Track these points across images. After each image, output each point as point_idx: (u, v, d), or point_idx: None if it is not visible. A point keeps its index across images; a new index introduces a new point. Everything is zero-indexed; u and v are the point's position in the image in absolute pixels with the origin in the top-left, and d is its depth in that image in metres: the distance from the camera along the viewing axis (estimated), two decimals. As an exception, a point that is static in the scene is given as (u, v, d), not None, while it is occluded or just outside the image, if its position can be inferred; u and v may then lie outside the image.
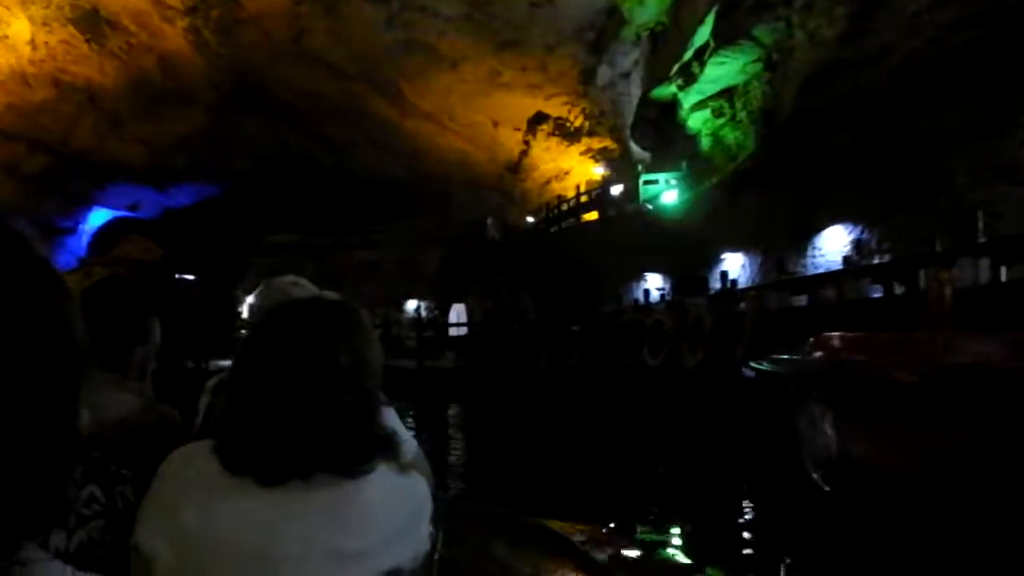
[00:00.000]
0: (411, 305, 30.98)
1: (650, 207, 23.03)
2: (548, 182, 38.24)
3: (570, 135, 35.26)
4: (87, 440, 0.95)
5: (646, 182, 23.83)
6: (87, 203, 43.97)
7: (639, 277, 21.86)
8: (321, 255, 31.51)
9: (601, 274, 22.95)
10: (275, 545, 0.95)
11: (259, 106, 38.83)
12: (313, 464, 1.00)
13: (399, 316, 27.82)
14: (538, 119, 35.22)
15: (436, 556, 1.23)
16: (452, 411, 17.03)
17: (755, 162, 17.65)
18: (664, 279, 20.97)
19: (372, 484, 1.03)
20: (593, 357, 15.38)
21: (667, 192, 22.93)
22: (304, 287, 1.96)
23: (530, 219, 36.42)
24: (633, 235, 22.03)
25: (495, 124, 36.29)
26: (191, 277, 39.05)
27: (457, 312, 28.44)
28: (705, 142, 22.02)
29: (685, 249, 19.25)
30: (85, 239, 45.85)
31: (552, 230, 28.55)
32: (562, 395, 14.21)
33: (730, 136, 20.38)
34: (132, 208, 45.84)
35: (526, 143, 36.62)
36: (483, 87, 33.35)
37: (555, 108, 33.98)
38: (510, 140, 36.74)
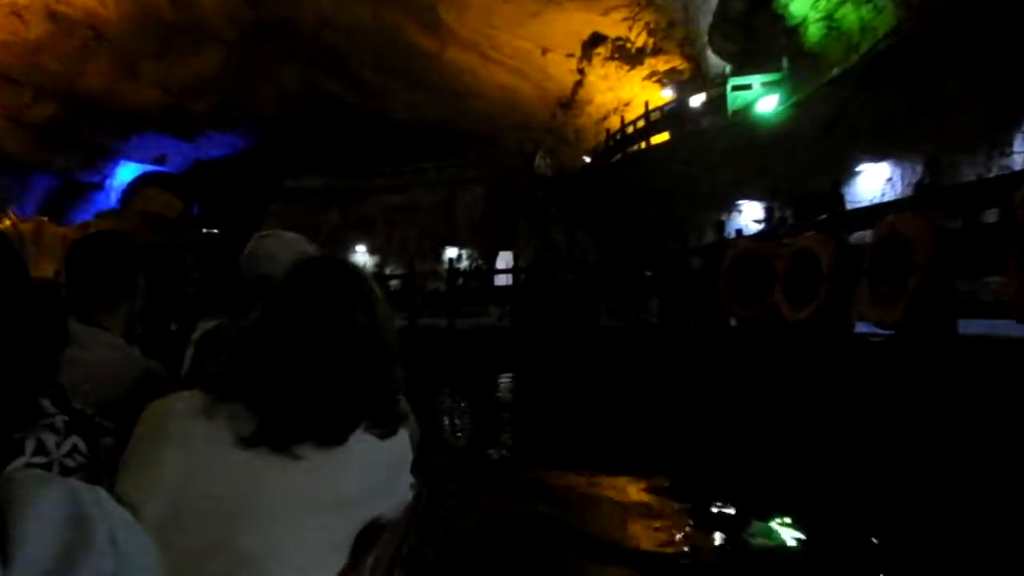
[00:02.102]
0: (451, 254, 26.87)
1: (743, 118, 18.21)
2: (606, 117, 33.97)
3: (631, 58, 30.81)
4: (68, 392, 1.00)
5: (735, 87, 19.00)
6: (111, 155, 41.39)
7: (730, 206, 17.18)
8: (348, 200, 27.58)
9: (677, 208, 18.42)
10: (256, 497, 0.95)
11: (285, 44, 35.01)
12: (332, 429, 1.00)
13: (437, 267, 23.64)
14: (594, 41, 30.96)
15: (419, 503, 1.23)
16: (503, 382, 13.20)
17: (900, 39, 12.73)
18: (766, 207, 16.25)
19: (355, 438, 1.03)
20: (678, 310, 11.03)
21: (764, 99, 18.08)
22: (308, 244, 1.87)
23: (586, 159, 32.16)
24: (720, 155, 17.34)
25: (544, 51, 32.19)
26: (216, 232, 35.64)
27: (505, 261, 24.29)
28: (813, 32, 17.02)
29: (797, 165, 14.51)
30: (114, 195, 43.87)
31: (615, 159, 23.89)
32: (641, 366, 9.99)
33: (852, 16, 15.37)
34: (158, 161, 43.16)
35: (580, 72, 32.67)
36: (530, 4, 29.10)
37: (613, 26, 29.45)
38: (561, 69, 32.76)
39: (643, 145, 22.71)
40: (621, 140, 24.25)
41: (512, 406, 11.51)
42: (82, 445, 0.99)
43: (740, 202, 17.08)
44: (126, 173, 43.64)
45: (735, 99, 19.00)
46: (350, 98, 37.61)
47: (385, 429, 1.07)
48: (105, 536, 0.54)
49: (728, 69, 21.39)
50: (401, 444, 1.12)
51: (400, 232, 26.56)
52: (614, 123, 31.00)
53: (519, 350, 13.24)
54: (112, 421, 1.08)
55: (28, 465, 0.91)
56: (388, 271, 23.61)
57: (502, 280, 19.07)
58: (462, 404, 11.89)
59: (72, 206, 41.94)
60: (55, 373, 0.72)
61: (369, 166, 28.60)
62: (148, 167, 43.37)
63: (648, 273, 13.72)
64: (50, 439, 0.95)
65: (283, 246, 1.81)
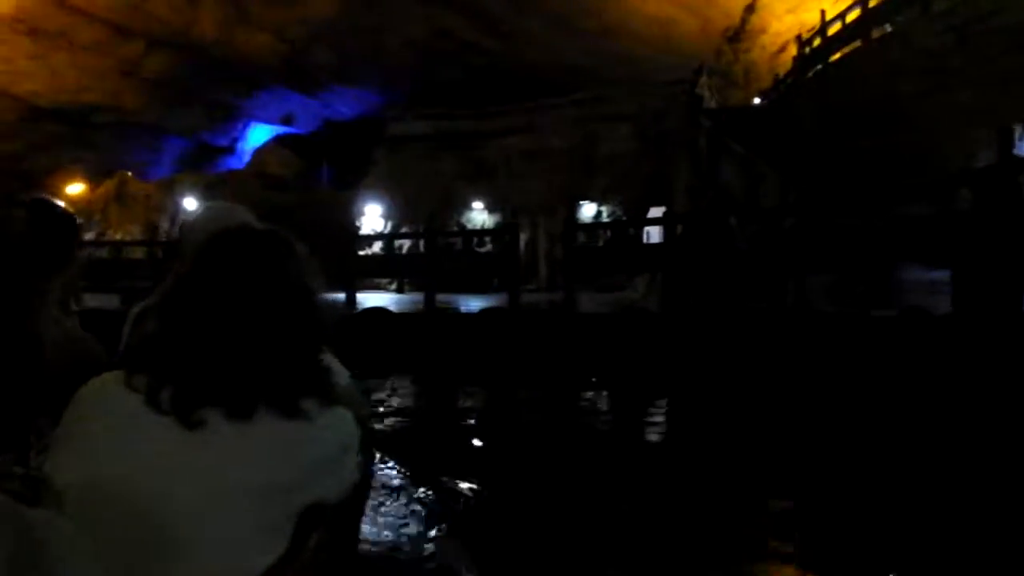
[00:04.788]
0: (589, 210, 21.51)
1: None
2: (783, 48, 28.27)
3: (817, -34, 24.55)
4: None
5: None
6: (238, 115, 39.60)
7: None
8: (463, 146, 22.83)
9: (913, 133, 12.13)
10: (186, 479, 0.93)
11: None
12: (243, 397, 0.98)
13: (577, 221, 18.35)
14: (771, -52, 24.86)
15: (366, 485, 1.20)
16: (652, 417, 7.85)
17: None
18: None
19: (296, 422, 1.01)
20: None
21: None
22: (245, 215, 1.85)
23: (757, 102, 26.19)
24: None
25: (710, -31, 26.65)
26: (333, 192, 32.39)
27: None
28: None
29: None
30: (246, 159, 42.61)
31: (808, 76, 17.41)
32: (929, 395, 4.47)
33: None
34: (286, 121, 41.04)
35: (753, -8, 27.18)
36: None
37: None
38: (729, -9, 27.21)
39: (857, 46, 16.02)
40: (823, 47, 17.70)
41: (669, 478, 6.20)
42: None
43: None
44: (258, 136, 42.09)
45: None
46: (483, 42, 33.20)
47: (313, 401, 1.03)
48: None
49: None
50: (343, 424, 1.09)
51: (526, 183, 21.55)
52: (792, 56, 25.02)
53: (673, 352, 7.85)
54: (47, 399, 1.05)
55: None
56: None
57: (655, 237, 13.56)
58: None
59: (204, 169, 40.89)
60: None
61: (485, 100, 23.70)
62: (278, 129, 41.61)
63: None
64: None
65: (212, 218, 1.83)
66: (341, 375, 1.52)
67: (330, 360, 1.23)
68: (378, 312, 11.56)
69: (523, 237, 20.42)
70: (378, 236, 18.79)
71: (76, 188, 28.67)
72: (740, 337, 7.31)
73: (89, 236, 24.93)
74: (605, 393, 8.93)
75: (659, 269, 11.65)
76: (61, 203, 1.68)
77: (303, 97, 38.35)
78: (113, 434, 0.95)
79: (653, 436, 7.18)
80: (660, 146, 20.06)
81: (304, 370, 1.05)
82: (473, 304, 13.15)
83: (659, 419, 7.63)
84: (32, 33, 27.04)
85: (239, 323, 1.00)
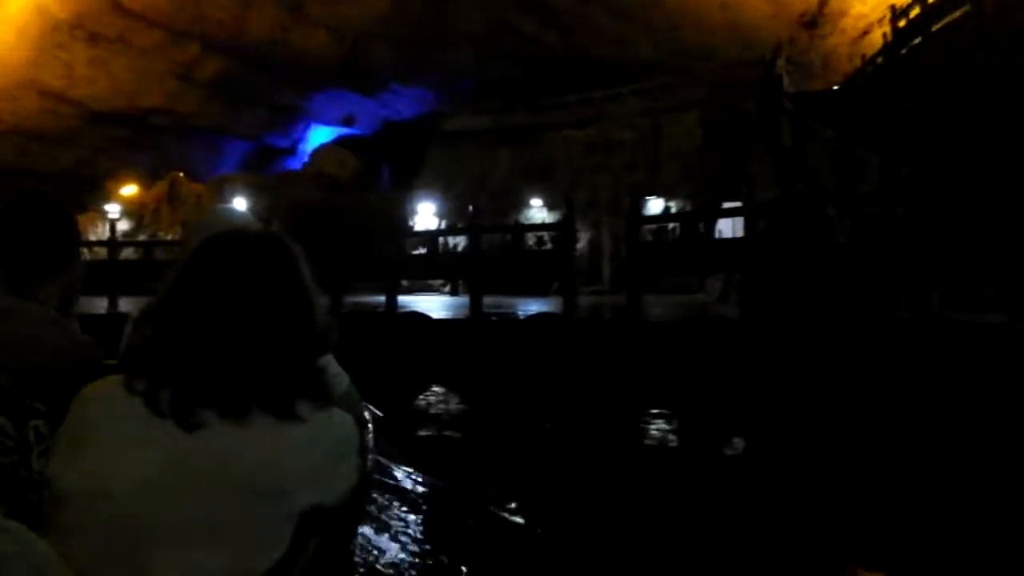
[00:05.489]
0: (656, 207, 19.88)
1: None
2: (866, 32, 26.29)
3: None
4: None
5: None
6: (298, 117, 39.57)
7: None
8: (520, 140, 21.51)
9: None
10: (185, 481, 0.94)
11: None
12: (236, 399, 0.99)
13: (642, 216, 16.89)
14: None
15: (365, 488, 1.26)
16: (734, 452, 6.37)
17: None
18: None
19: (293, 424, 1.01)
20: None
21: None
22: (244, 218, 1.97)
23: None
24: None
25: (783, -53, 25.20)
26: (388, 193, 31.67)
27: (729, 222, 16.97)
28: None
29: None
30: (305, 161, 42.63)
31: (909, 47, 15.44)
32: None
33: None
34: (347, 122, 40.89)
35: (832, -27, 25.65)
36: None
37: None
38: (806, -26, 25.72)
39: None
40: (918, 20, 15.72)
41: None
42: (9, 427, 0.97)
43: None
44: (319, 138, 42.01)
45: None
46: (547, 37, 31.96)
47: (308, 403, 1.04)
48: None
49: None
50: (341, 427, 1.09)
51: (588, 178, 20.12)
52: (876, 41, 22.84)
53: (761, 370, 6.30)
54: (43, 402, 1.05)
55: None
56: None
57: (727, 230, 11.95)
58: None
59: (266, 171, 40.97)
60: None
61: (548, 96, 22.34)
62: (339, 131, 41.44)
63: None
64: None
65: (210, 221, 1.84)
66: (340, 378, 1.62)
67: (328, 363, 1.25)
68: (415, 317, 10.32)
69: (585, 236, 19.02)
70: (418, 233, 17.70)
71: (129, 190, 28.66)
72: (867, 355, 5.73)
73: (141, 237, 24.68)
74: (673, 423, 7.43)
75: (737, 269, 10.04)
76: (59, 204, 1.65)
77: (362, 98, 37.95)
78: (114, 438, 0.96)
79: (734, 488, 5.63)
80: (732, 135, 18.36)
81: (299, 372, 1.05)
82: (531, 308, 12.00)
83: (742, 463, 6.08)
84: (91, 38, 27.12)
85: (229, 324, 1.00)
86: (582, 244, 18.18)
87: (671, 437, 7.46)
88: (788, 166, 13.23)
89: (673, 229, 17.29)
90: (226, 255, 1.07)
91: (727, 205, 16.01)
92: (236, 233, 1.14)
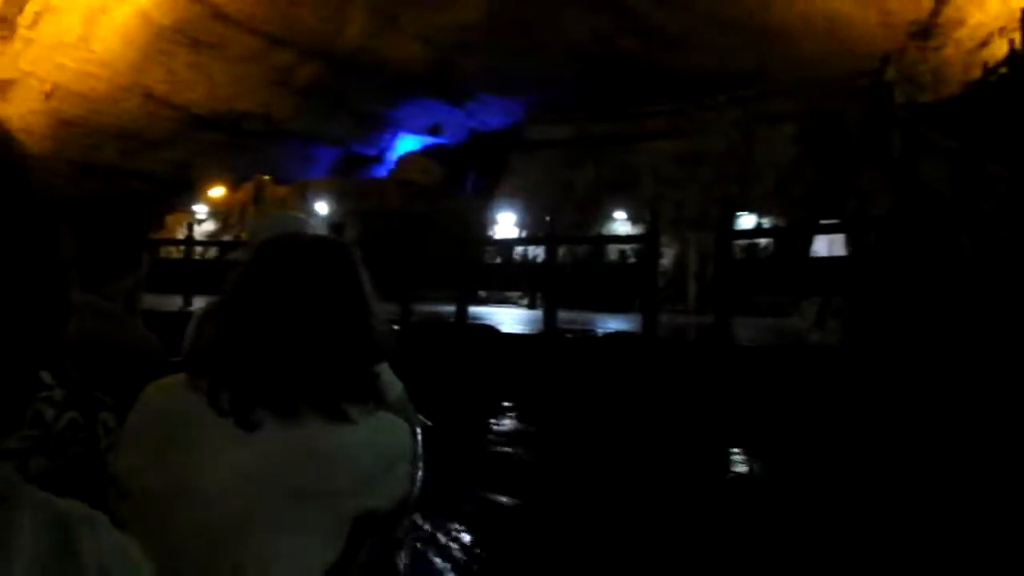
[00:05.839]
0: (746, 222, 18.80)
1: None
2: (984, 43, 24.12)
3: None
4: (67, 364, 1.00)
5: None
6: (385, 126, 40.18)
7: None
8: (605, 151, 20.82)
9: None
10: (246, 481, 0.96)
11: None
12: (287, 399, 1.00)
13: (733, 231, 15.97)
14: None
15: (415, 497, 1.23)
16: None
17: None
18: None
19: (346, 426, 1.02)
20: None
21: None
22: (303, 224, 1.97)
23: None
24: None
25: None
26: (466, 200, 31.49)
27: (826, 240, 15.78)
28: None
29: None
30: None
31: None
32: None
33: None
34: (433, 131, 41.31)
35: (947, -21, 23.71)
36: None
37: None
38: (916, -19, 23.97)
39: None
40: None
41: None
42: (80, 419, 0.99)
43: None
44: (405, 146, 42.50)
45: None
46: (639, 47, 31.14)
47: (363, 407, 1.05)
48: (96, 571, 0.51)
49: None
50: (396, 433, 1.11)
51: (675, 192, 19.23)
52: (997, 51, 20.96)
53: (864, 409, 5.45)
54: (111, 396, 1.07)
55: (24, 438, 0.92)
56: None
57: (822, 249, 10.94)
58: None
59: (352, 178, 41.66)
60: (58, 345, 0.64)
61: (636, 105, 21.54)
62: (425, 140, 41.81)
63: None
64: (48, 412, 0.95)
65: (270, 226, 1.88)
66: (393, 386, 1.60)
67: (383, 370, 1.23)
68: (484, 330, 9.77)
69: (670, 252, 18.12)
70: (495, 242, 17.20)
71: (217, 191, 29.55)
72: (1004, 393, 4.82)
73: (226, 237, 25.22)
74: (761, 459, 6.60)
75: (838, 291, 9.05)
76: (133, 202, 1.66)
77: (449, 107, 38.13)
78: (179, 436, 0.97)
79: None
80: (833, 148, 17.13)
81: (353, 376, 1.06)
82: (609, 326, 11.31)
83: (840, 510, 5.22)
84: (192, 44, 28.01)
85: (283, 326, 1.02)
86: (666, 260, 17.35)
87: (758, 473, 6.66)
88: (900, 179, 12.04)
89: (766, 247, 16.23)
90: (281, 259, 1.10)
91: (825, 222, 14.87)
92: (291, 237, 1.18)
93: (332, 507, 0.98)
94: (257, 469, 0.95)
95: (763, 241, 16.12)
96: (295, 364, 1.00)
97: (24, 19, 22.56)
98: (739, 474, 6.61)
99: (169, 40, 27.17)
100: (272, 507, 0.93)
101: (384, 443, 1.05)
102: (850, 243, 9.28)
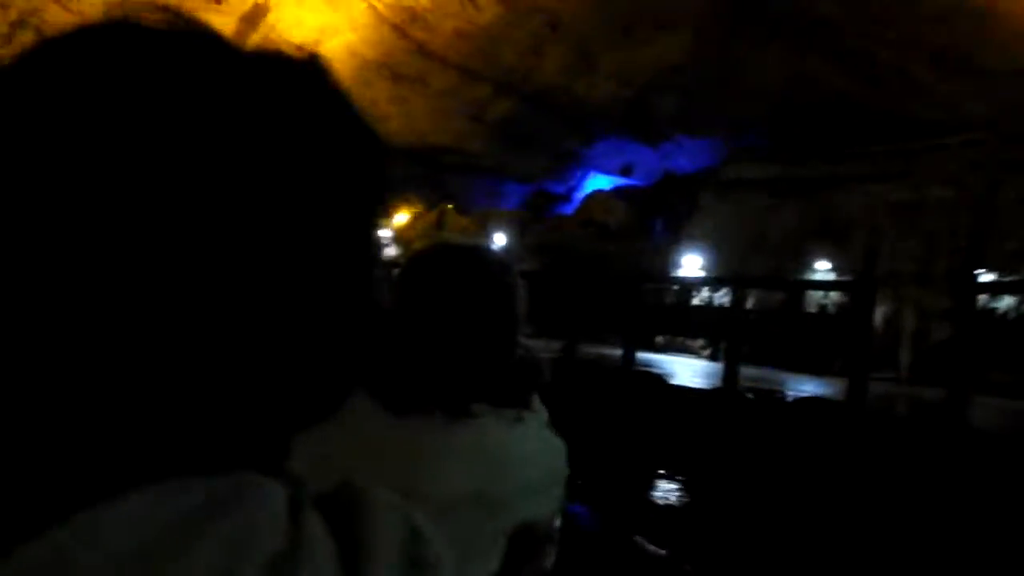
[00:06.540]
0: (986, 279, 15.93)
1: None
2: None
3: None
4: None
5: None
6: (577, 164, 40.16)
7: None
8: (809, 194, 18.74)
9: None
10: (420, 483, 0.95)
11: (767, 22, 27.98)
12: (451, 401, 1.02)
13: (976, 293, 13.48)
14: None
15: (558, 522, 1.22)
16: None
17: None
18: None
19: (517, 433, 1.03)
20: None
21: None
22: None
23: None
24: None
25: None
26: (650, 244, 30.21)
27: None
28: None
29: None
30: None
31: None
32: None
33: None
34: (625, 172, 40.67)
35: None
36: None
37: None
38: None
39: None
40: None
41: None
42: None
43: None
44: (595, 185, 42.14)
45: None
46: (851, 88, 28.55)
47: (524, 419, 1.06)
48: None
49: None
50: (556, 451, 1.11)
51: (893, 244, 16.72)
52: None
53: None
54: None
55: None
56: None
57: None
58: None
59: (541, 215, 41.86)
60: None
61: (843, 146, 19.33)
62: (616, 180, 41.26)
63: None
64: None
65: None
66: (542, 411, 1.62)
67: (533, 400, 1.26)
68: (648, 378, 8.47)
69: (881, 311, 15.73)
70: (666, 280, 15.74)
71: (401, 218, 30.83)
72: None
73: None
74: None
75: None
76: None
77: (642, 147, 37.25)
78: (350, 438, 0.93)
79: None
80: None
81: (509, 384, 1.07)
82: (803, 389, 9.69)
83: None
84: (393, 77, 29.37)
85: (427, 334, 1.03)
86: (877, 320, 15.08)
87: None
88: None
89: (1005, 313, 13.50)
90: (423, 266, 1.13)
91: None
92: (437, 247, 1.20)
93: (488, 515, 0.97)
94: (416, 470, 0.95)
95: (1004, 305, 13.39)
96: (453, 367, 1.01)
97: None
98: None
99: (373, 72, 28.61)
100: (431, 511, 0.84)
101: (550, 457, 1.06)
102: None
